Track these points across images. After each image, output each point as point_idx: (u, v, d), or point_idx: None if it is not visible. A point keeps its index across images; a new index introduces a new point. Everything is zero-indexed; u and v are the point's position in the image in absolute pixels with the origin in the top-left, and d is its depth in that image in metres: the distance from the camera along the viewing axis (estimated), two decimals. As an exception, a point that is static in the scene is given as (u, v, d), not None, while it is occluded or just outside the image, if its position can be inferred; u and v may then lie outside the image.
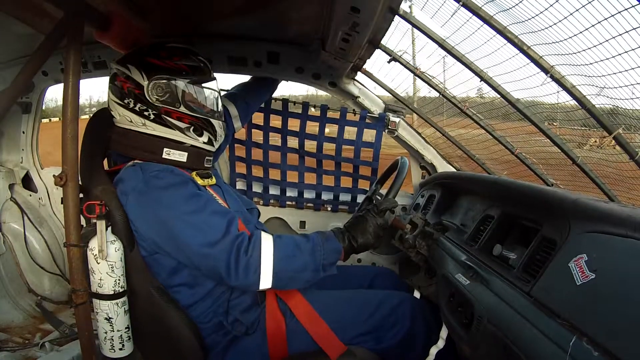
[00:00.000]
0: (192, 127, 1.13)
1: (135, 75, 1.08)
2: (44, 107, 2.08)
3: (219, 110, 1.22)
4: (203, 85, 1.16)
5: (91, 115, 1.23)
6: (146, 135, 1.10)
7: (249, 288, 1.03)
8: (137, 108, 1.09)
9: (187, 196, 1.01)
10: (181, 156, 1.12)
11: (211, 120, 1.16)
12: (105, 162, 1.24)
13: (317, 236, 1.08)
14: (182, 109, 1.10)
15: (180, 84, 1.10)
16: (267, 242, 1.01)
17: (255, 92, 1.66)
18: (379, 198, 1.31)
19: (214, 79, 1.21)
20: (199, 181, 1.12)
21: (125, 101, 1.09)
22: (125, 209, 1.02)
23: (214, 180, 1.21)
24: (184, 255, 1.01)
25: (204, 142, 1.16)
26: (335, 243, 1.08)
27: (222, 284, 1.10)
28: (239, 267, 0.97)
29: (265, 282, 1.00)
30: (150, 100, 1.08)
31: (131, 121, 1.10)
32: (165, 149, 1.10)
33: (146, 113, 1.09)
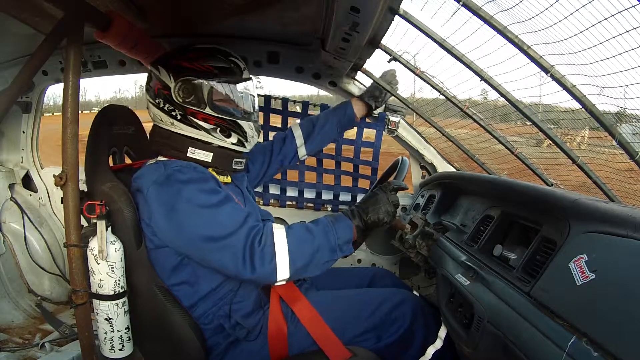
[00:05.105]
0: (219, 129, 1.13)
1: (163, 76, 1.11)
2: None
3: (251, 111, 1.19)
4: (237, 86, 1.16)
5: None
6: (174, 133, 1.13)
7: (266, 280, 1.01)
8: (165, 108, 1.12)
9: (207, 191, 1.02)
10: (206, 156, 1.13)
11: (239, 121, 1.15)
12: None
13: (326, 218, 1.09)
14: (208, 110, 1.11)
15: (206, 85, 1.10)
16: (279, 231, 1.02)
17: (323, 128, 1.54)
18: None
19: (248, 78, 1.19)
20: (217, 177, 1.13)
21: (157, 101, 1.13)
22: (139, 204, 1.04)
23: (229, 179, 1.20)
24: (195, 248, 1.01)
25: (233, 143, 1.16)
26: (345, 220, 1.09)
27: (225, 285, 1.10)
28: (255, 258, 0.97)
29: (282, 271, 0.99)
30: (177, 101, 1.10)
31: (161, 120, 1.14)
32: (190, 148, 1.12)
33: (174, 113, 1.11)
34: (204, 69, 1.11)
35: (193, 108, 1.10)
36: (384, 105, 1.67)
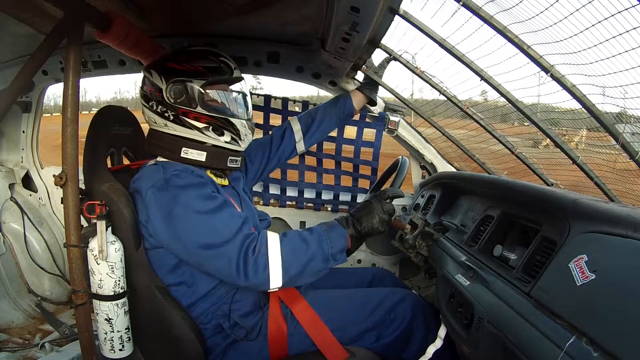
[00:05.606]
0: (211, 127, 1.14)
1: (155, 79, 1.13)
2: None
3: (243, 109, 1.20)
4: (228, 85, 1.18)
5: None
6: (168, 135, 1.14)
7: (260, 287, 1.02)
8: (158, 110, 1.13)
9: (204, 196, 1.03)
10: (199, 155, 1.14)
11: (231, 119, 1.15)
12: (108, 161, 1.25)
13: (320, 227, 1.10)
14: (199, 109, 1.12)
15: (196, 85, 1.11)
16: (273, 240, 1.02)
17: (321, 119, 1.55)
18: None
19: (239, 77, 1.20)
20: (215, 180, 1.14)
21: (150, 104, 1.14)
22: (137, 205, 1.05)
23: (226, 182, 1.20)
24: (191, 254, 1.01)
25: (226, 142, 1.16)
26: (339, 229, 1.10)
27: (223, 286, 1.10)
28: (248, 266, 0.98)
29: (275, 280, 0.99)
30: (168, 102, 1.12)
31: (155, 122, 1.15)
32: (183, 148, 1.13)
33: (166, 114, 1.13)
34: (194, 69, 1.12)
35: (185, 108, 1.11)
36: (377, 95, 1.67)
